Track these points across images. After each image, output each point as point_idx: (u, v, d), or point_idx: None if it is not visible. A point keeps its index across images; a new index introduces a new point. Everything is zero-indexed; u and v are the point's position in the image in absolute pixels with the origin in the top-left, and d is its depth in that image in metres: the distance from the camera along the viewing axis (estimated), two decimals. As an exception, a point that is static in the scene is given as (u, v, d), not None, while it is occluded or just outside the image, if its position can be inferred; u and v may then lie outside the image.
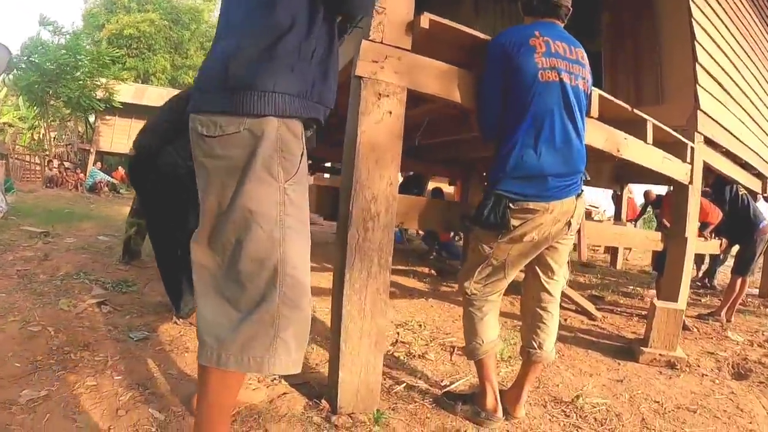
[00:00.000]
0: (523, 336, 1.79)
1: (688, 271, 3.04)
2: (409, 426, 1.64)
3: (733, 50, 3.97)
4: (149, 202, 2.41)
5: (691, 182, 2.98)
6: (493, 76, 1.63)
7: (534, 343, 1.71)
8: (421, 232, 6.83)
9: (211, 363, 0.99)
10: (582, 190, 1.65)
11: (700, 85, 3.18)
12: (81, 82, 11.01)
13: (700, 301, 5.18)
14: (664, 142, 2.83)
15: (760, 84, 4.74)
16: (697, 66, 3.20)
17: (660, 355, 2.62)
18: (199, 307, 1.07)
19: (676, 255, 3.01)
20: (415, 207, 1.78)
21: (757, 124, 4.55)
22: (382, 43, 1.58)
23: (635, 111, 2.43)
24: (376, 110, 1.53)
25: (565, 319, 3.59)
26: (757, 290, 5.52)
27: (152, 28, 19.16)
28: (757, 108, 4.54)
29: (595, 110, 2.12)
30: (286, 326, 1.01)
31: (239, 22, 1.09)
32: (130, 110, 14.72)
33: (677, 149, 2.93)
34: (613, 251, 7.39)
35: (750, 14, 4.55)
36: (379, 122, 1.53)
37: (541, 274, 1.69)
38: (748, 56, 4.41)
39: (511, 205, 1.52)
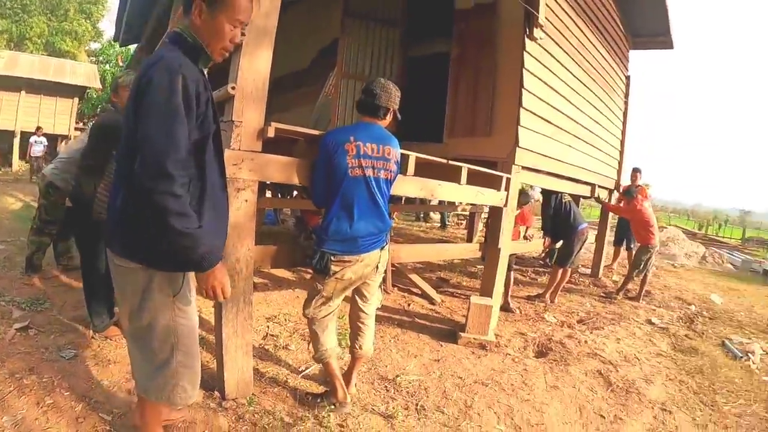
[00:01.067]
0: (350, 340, 2.78)
1: (502, 273, 4.25)
2: (274, 403, 2.51)
3: (569, 86, 5.06)
4: (83, 239, 3.02)
5: (506, 205, 4.15)
6: (320, 165, 2.39)
7: (356, 345, 2.71)
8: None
9: (142, 395, 1.73)
10: (386, 243, 2.63)
11: (521, 126, 4.22)
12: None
13: (537, 280, 6.37)
14: (485, 174, 3.91)
15: (596, 107, 6.00)
16: (521, 110, 4.21)
17: (474, 338, 3.74)
18: (132, 357, 1.73)
19: (491, 261, 4.21)
20: (268, 254, 2.67)
21: (589, 144, 5.86)
22: (239, 149, 2.25)
23: (451, 162, 3.45)
24: (235, 200, 2.24)
25: (409, 305, 4.61)
26: (590, 270, 7.06)
27: (26, -15, 17.66)
28: (590, 130, 5.82)
29: (411, 170, 2.99)
30: (182, 377, 1.67)
31: (126, 172, 1.43)
32: (2, 82, 13.94)
33: (496, 179, 4.05)
34: (469, 229, 8.78)
35: (593, 44, 5.63)
36: (239, 209, 2.27)
37: (359, 300, 2.68)
38: (586, 85, 5.55)
39: (332, 257, 2.45)
